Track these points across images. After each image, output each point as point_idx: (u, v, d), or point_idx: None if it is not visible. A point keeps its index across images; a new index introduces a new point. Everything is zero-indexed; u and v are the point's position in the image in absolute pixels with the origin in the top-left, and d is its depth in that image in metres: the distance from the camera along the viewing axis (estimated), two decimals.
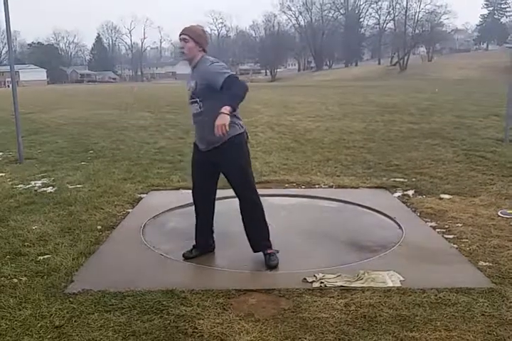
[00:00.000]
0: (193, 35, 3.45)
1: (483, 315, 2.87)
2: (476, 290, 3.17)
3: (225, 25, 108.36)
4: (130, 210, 5.18)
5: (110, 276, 3.50)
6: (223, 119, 3.11)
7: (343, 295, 3.12)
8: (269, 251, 3.69)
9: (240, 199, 3.70)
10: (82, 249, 3.99)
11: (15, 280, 3.41)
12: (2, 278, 3.44)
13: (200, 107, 3.51)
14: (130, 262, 3.78)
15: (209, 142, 3.56)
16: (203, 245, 3.92)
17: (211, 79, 3.36)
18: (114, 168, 7.32)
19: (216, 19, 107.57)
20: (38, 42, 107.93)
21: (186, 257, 3.83)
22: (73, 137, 11.04)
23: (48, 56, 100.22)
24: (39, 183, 6.46)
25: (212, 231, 3.96)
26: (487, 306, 2.96)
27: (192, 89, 3.52)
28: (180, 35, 3.48)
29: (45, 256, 3.84)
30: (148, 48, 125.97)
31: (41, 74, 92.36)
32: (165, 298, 3.08)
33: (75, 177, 6.72)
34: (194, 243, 3.91)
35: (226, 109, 3.14)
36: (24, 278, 3.43)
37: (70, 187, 6.18)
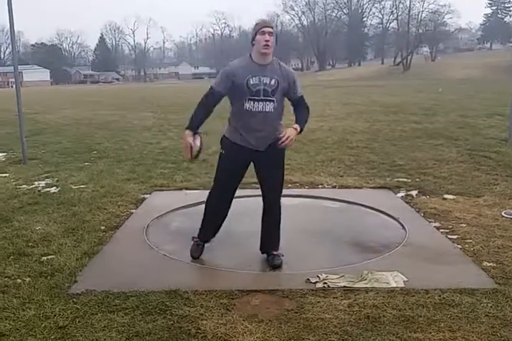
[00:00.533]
0: (275, 31, 3.41)
1: (487, 315, 2.86)
2: (480, 290, 3.16)
3: (228, 26, 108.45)
4: (133, 210, 5.18)
5: (114, 277, 3.50)
6: (294, 135, 3.34)
7: (347, 296, 3.11)
8: (274, 253, 3.69)
9: (269, 202, 3.66)
10: (85, 250, 3.99)
11: (18, 280, 3.42)
12: (6, 279, 3.45)
13: (274, 107, 3.44)
14: (133, 262, 3.79)
15: (266, 141, 3.51)
16: (209, 240, 3.94)
17: (292, 87, 3.48)
18: (118, 168, 7.33)
19: (219, 19, 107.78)
20: (42, 43, 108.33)
21: (197, 257, 3.82)
22: (77, 137, 11.06)
23: (52, 56, 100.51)
24: (43, 184, 6.47)
25: None
26: (491, 307, 2.95)
27: (270, 87, 3.40)
28: (266, 26, 3.36)
29: (49, 257, 3.85)
30: (152, 49, 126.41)
31: (44, 75, 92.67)
32: (168, 299, 3.08)
33: (78, 178, 6.73)
34: (199, 240, 3.89)
35: (298, 128, 3.40)
36: (28, 279, 3.44)
37: (74, 187, 6.20)
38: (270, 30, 3.34)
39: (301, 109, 3.57)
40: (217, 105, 3.51)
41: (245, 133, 3.51)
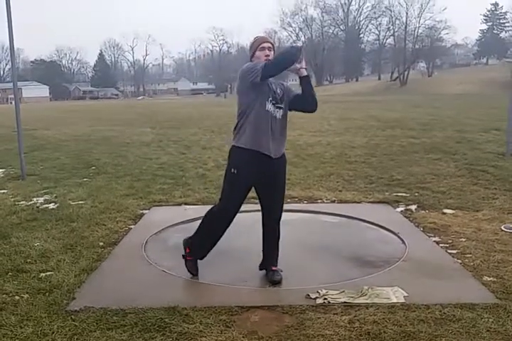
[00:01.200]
0: (273, 46, 3.49)
1: (488, 330, 2.84)
2: (481, 305, 3.14)
3: (226, 42, 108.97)
4: (132, 226, 5.17)
5: (112, 293, 3.48)
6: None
7: (347, 312, 3.09)
8: (273, 268, 3.68)
9: (271, 217, 3.64)
10: (84, 266, 3.97)
11: (16, 297, 3.39)
12: (4, 296, 3.42)
13: (283, 115, 3.53)
14: (132, 279, 3.76)
15: (280, 148, 3.60)
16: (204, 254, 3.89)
17: (293, 94, 3.57)
18: (116, 184, 7.33)
19: (217, 36, 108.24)
20: (41, 59, 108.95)
21: (196, 274, 3.78)
22: (75, 153, 11.07)
23: (51, 73, 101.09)
24: (41, 200, 6.46)
25: None
26: (492, 322, 2.93)
27: (278, 96, 3.49)
28: (265, 42, 3.43)
29: (47, 273, 3.82)
30: (151, 65, 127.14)
31: (44, 91, 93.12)
32: (167, 316, 3.06)
33: (77, 194, 6.72)
34: (193, 258, 3.85)
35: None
36: (26, 296, 3.41)
37: (72, 203, 6.18)
38: (269, 45, 3.41)
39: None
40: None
41: (265, 136, 3.46)
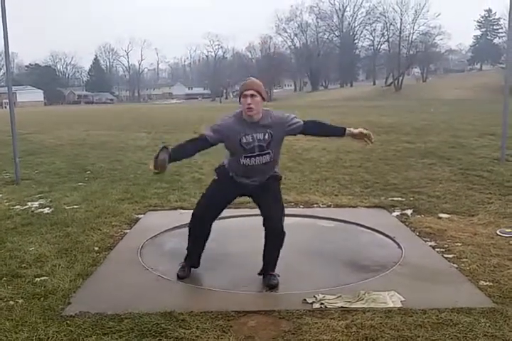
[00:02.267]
0: (260, 90, 3.41)
1: (485, 335, 2.84)
2: (478, 310, 3.14)
3: (221, 47, 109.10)
4: (127, 231, 5.15)
5: (108, 298, 3.45)
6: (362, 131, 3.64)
7: (344, 317, 3.08)
8: (270, 273, 3.67)
9: (271, 228, 3.61)
10: (79, 271, 3.95)
11: (11, 302, 3.37)
12: None
13: (271, 158, 3.54)
14: (128, 284, 3.74)
15: (262, 180, 3.65)
16: (196, 264, 3.92)
17: (291, 127, 3.51)
18: (112, 189, 7.30)
19: (213, 41, 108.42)
20: (36, 64, 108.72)
21: (181, 277, 3.80)
22: (70, 158, 11.03)
23: (45, 77, 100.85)
24: (36, 204, 6.42)
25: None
26: (489, 326, 2.93)
27: (264, 142, 3.47)
28: (247, 90, 3.38)
29: (42, 278, 3.80)
30: (146, 70, 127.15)
31: (38, 96, 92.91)
32: (163, 321, 3.04)
33: (72, 198, 6.69)
34: (186, 263, 3.89)
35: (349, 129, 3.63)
36: (21, 301, 3.39)
37: (67, 208, 6.16)
38: (251, 92, 3.37)
39: (317, 125, 3.71)
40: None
41: (242, 175, 3.65)
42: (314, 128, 3.69)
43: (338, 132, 3.70)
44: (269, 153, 3.51)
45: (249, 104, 3.35)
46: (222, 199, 3.74)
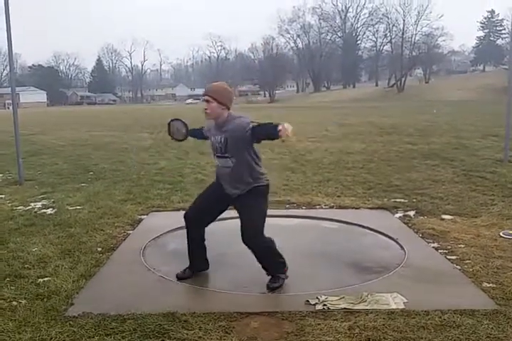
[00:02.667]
0: (215, 96, 3.47)
1: (488, 337, 2.83)
2: (481, 311, 3.14)
3: (224, 48, 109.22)
4: (130, 232, 5.15)
5: (110, 299, 3.46)
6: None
7: (347, 318, 3.08)
8: (276, 275, 3.67)
9: (245, 244, 3.58)
10: (82, 271, 3.95)
11: (14, 303, 3.37)
12: (1, 301, 3.40)
13: (232, 162, 3.56)
14: (130, 284, 3.75)
15: (233, 193, 3.66)
16: (200, 266, 3.93)
17: (248, 133, 3.39)
18: (115, 189, 7.31)
19: (215, 42, 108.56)
20: (39, 65, 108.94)
21: (179, 278, 3.81)
22: (73, 158, 11.06)
23: (48, 78, 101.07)
24: (39, 205, 6.44)
25: (205, 251, 3.95)
26: (492, 328, 2.93)
27: (221, 145, 3.54)
28: (203, 95, 3.54)
29: (45, 279, 3.81)
30: (149, 71, 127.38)
31: (41, 96, 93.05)
32: (166, 322, 3.04)
33: (75, 199, 6.70)
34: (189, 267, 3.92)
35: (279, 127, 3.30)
36: (24, 301, 3.39)
37: (70, 208, 6.17)
38: (206, 98, 3.50)
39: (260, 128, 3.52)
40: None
41: (220, 180, 3.76)
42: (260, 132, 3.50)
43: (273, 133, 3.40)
44: (228, 157, 3.56)
45: (205, 108, 3.52)
46: (210, 203, 3.78)
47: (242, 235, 3.55)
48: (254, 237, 3.54)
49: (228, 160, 3.57)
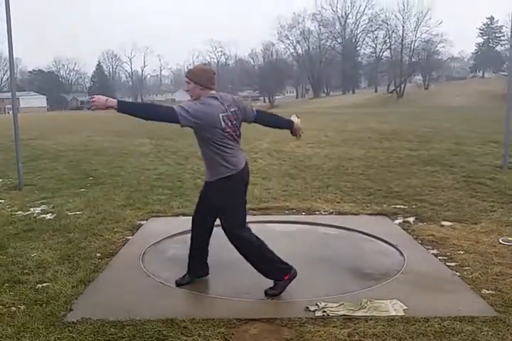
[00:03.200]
0: (191, 77, 3.54)
1: None
2: (480, 318, 3.13)
3: (224, 54, 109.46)
4: (130, 237, 5.15)
5: (110, 305, 3.45)
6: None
7: (346, 325, 3.08)
8: (276, 282, 3.64)
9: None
10: (81, 277, 3.95)
11: (13, 308, 3.37)
12: (0, 307, 3.40)
13: (199, 143, 3.61)
14: (130, 290, 3.74)
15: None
16: (196, 269, 3.92)
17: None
18: (114, 195, 7.31)
19: (215, 48, 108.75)
20: (39, 70, 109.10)
21: (178, 284, 3.81)
22: (73, 163, 11.06)
23: (49, 83, 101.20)
24: (38, 210, 6.43)
25: (207, 255, 3.96)
26: (491, 335, 2.92)
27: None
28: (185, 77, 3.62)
29: (44, 284, 3.80)
30: (149, 76, 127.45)
31: (41, 101, 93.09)
32: (165, 328, 3.04)
33: (74, 204, 6.70)
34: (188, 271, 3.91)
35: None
36: (23, 307, 3.39)
37: (70, 213, 6.16)
38: (186, 79, 3.60)
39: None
40: None
41: None
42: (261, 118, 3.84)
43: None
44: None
45: (187, 90, 3.61)
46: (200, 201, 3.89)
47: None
48: (230, 233, 3.63)
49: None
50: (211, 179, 3.56)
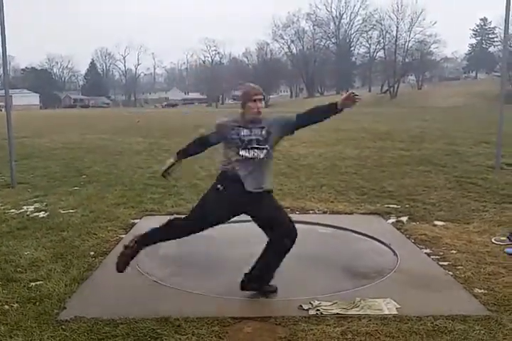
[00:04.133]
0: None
1: None
2: (472, 317, 3.16)
3: (218, 53, 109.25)
4: (123, 236, 5.13)
5: (103, 303, 3.45)
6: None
7: (340, 323, 3.09)
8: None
9: (276, 240, 3.61)
10: (74, 275, 3.94)
11: (6, 306, 3.36)
12: None
13: (268, 153, 3.57)
14: (123, 289, 3.73)
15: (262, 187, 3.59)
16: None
17: (285, 120, 3.67)
18: (107, 193, 7.29)
19: (210, 46, 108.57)
20: (32, 67, 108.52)
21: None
22: (66, 162, 11.01)
23: (42, 81, 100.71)
24: (31, 208, 6.41)
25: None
26: (483, 334, 2.95)
27: (260, 137, 3.54)
28: (257, 94, 3.55)
29: (37, 282, 3.79)
30: (142, 74, 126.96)
31: (34, 99, 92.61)
32: (159, 326, 3.04)
33: (67, 202, 6.68)
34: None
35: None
36: (16, 305, 3.38)
37: (63, 212, 6.14)
38: (260, 97, 3.57)
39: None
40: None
41: (247, 179, 3.55)
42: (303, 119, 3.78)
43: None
44: (266, 149, 3.61)
45: (260, 107, 3.57)
46: (232, 211, 3.75)
47: (279, 231, 3.58)
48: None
49: (265, 151, 3.56)
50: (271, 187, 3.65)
